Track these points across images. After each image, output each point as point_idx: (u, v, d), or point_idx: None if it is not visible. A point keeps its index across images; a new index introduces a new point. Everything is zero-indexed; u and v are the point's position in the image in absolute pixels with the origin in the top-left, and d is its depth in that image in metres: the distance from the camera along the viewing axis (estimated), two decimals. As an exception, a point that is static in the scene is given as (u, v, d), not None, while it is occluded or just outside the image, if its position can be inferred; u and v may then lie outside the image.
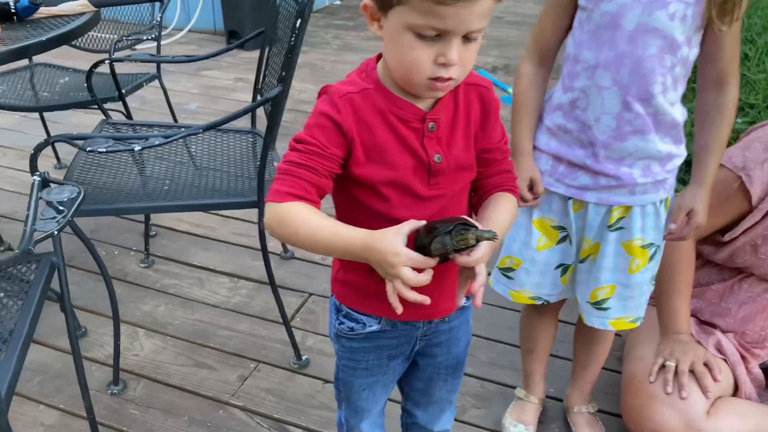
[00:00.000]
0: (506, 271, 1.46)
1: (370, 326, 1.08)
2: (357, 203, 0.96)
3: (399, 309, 0.86)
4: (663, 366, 1.49)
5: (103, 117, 2.01)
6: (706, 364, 1.49)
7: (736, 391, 1.55)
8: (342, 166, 0.92)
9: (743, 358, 1.57)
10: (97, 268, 1.53)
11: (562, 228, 1.38)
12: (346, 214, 1.00)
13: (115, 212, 1.49)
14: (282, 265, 2.23)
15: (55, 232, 1.05)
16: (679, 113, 1.24)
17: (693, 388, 1.44)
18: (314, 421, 1.64)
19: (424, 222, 0.86)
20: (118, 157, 1.69)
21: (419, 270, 0.84)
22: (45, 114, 2.73)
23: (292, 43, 1.36)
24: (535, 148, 1.35)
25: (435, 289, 0.89)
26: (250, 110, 1.43)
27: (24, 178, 2.78)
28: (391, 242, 0.83)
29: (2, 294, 1.14)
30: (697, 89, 1.29)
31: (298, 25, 1.35)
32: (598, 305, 1.41)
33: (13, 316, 1.14)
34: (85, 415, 1.50)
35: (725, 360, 1.55)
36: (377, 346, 1.11)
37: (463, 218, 0.85)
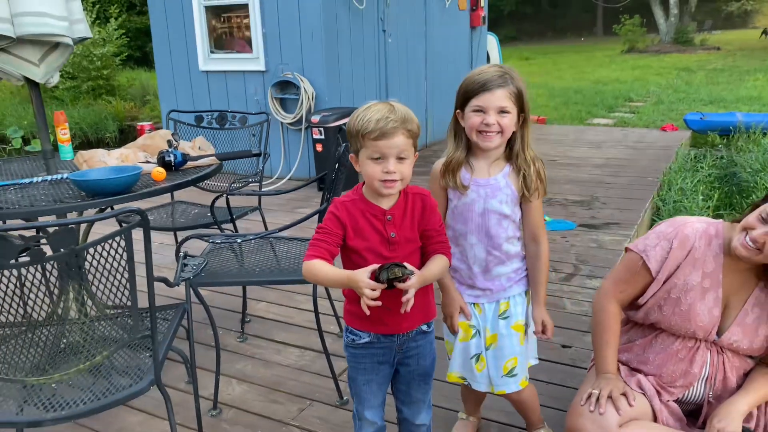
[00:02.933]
0: (450, 359, 2.14)
1: (364, 338, 1.80)
2: (352, 262, 1.74)
3: (367, 312, 1.59)
4: (591, 394, 2.06)
5: (219, 233, 2.95)
6: (623, 394, 2.04)
7: (655, 420, 2.07)
8: (343, 239, 1.71)
9: (659, 393, 2.10)
10: (208, 341, 2.31)
11: (473, 326, 2.05)
12: (348, 268, 1.77)
13: (223, 284, 2.31)
14: (337, 341, 2.98)
15: (191, 277, 1.89)
16: (519, 247, 2.03)
17: (609, 407, 1.99)
18: (347, 436, 2.31)
19: (378, 266, 1.61)
20: (226, 255, 2.58)
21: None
22: (179, 236, 3.76)
23: (333, 179, 2.23)
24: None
25: (398, 314, 1.64)
26: (305, 219, 2.27)
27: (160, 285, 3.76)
28: (360, 275, 1.59)
29: (162, 321, 1.99)
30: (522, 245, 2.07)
31: (336, 167, 2.22)
32: (510, 374, 2.04)
33: (166, 331, 1.98)
34: (195, 427, 2.25)
35: (644, 394, 2.08)
36: (370, 353, 1.82)
37: (397, 263, 1.59)
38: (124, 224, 1.52)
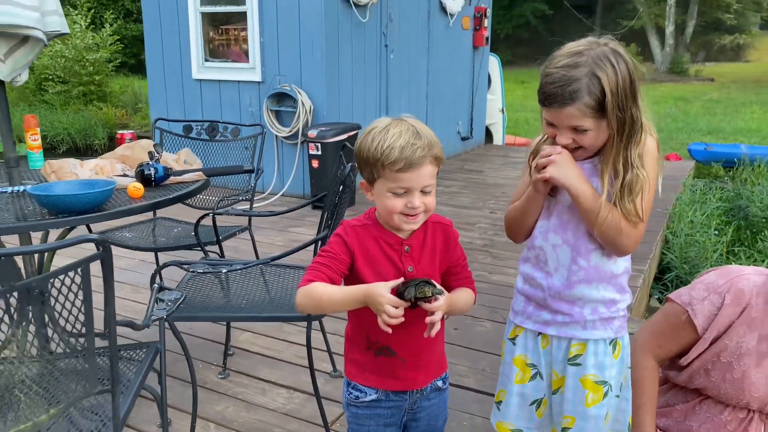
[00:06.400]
0: (498, 404, 1.74)
1: (370, 395, 1.51)
2: None
3: (389, 330, 1.30)
4: (625, 469, 1.76)
5: (203, 256, 2.64)
6: (663, 470, 1.75)
7: (699, 498, 1.78)
8: (350, 269, 1.42)
9: (704, 468, 1.81)
10: (185, 377, 2.02)
11: (533, 366, 1.67)
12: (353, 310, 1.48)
13: (203, 319, 2.02)
14: (330, 381, 2.67)
15: (164, 315, 1.60)
16: (619, 266, 1.58)
17: (647, 487, 1.70)
18: (340, 501, 2.00)
19: (402, 279, 1.33)
20: (209, 282, 2.28)
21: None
22: (160, 256, 3.44)
23: (336, 201, 1.94)
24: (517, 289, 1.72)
25: (413, 366, 1.39)
26: (301, 248, 1.99)
27: (137, 308, 3.44)
28: (380, 289, 1.31)
29: (128, 362, 1.68)
30: None
31: (341, 189, 1.94)
32: None
33: (131, 375, 1.67)
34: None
35: (686, 469, 1.79)
36: (376, 414, 1.53)
37: (426, 279, 1.32)
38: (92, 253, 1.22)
